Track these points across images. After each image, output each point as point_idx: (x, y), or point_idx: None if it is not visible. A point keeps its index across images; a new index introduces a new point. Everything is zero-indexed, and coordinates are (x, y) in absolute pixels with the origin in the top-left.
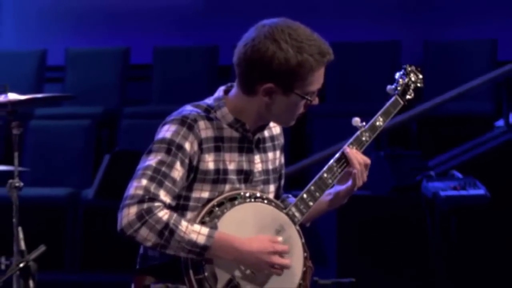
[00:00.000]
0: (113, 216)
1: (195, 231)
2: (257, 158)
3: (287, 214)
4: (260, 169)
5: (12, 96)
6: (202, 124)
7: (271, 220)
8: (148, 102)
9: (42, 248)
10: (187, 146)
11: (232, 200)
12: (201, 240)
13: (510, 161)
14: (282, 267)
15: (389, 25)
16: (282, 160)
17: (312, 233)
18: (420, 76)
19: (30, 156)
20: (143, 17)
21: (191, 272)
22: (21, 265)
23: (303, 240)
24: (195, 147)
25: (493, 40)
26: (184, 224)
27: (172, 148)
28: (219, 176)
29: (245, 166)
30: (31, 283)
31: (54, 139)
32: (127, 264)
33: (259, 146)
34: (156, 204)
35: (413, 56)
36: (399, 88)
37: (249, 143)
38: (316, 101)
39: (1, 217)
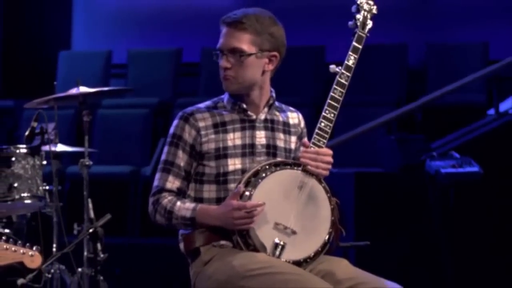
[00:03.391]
0: None
1: (184, 208)
2: (261, 133)
3: (303, 170)
4: (263, 142)
5: (83, 89)
6: (199, 115)
7: (291, 181)
8: (196, 95)
9: (108, 217)
10: (185, 135)
11: (256, 175)
12: (188, 214)
13: (500, 143)
14: (246, 221)
15: (397, 30)
16: (298, 145)
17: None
18: (372, 3)
19: (98, 139)
20: (193, 23)
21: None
22: (91, 230)
23: (324, 183)
24: (193, 135)
25: (485, 43)
26: (178, 205)
27: (174, 140)
28: (219, 153)
29: (247, 140)
30: (98, 245)
31: (118, 125)
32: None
33: (267, 125)
34: (163, 194)
35: (417, 56)
36: (358, 23)
37: (250, 121)
38: (221, 62)
39: (74, 190)
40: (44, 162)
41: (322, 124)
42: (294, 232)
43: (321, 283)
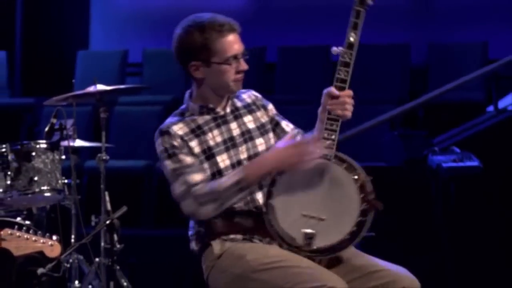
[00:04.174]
0: None
1: (227, 178)
2: (233, 125)
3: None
4: (239, 132)
5: (100, 87)
6: (175, 127)
7: (310, 170)
8: None
9: (123, 209)
10: (175, 143)
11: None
12: (235, 177)
13: (498, 139)
14: (310, 156)
15: (400, 30)
16: (271, 113)
17: None
18: None
19: (114, 135)
20: None
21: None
22: (107, 222)
23: (345, 165)
24: (180, 142)
25: (484, 43)
26: (218, 181)
27: (168, 152)
28: (207, 154)
29: (225, 135)
30: (115, 236)
31: (133, 121)
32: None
33: (235, 114)
34: (193, 188)
35: (419, 56)
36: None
37: (222, 117)
38: (243, 65)
39: (92, 184)
40: (63, 157)
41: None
42: (321, 219)
43: (333, 277)
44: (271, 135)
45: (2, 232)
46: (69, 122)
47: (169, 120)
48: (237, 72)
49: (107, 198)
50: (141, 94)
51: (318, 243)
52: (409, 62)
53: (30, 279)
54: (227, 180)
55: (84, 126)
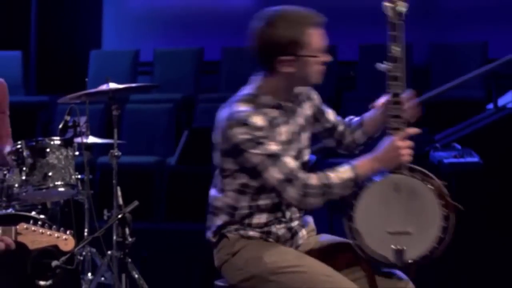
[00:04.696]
0: (190, 177)
1: (340, 173)
2: (297, 119)
3: (390, 172)
4: (299, 125)
5: (112, 85)
6: (255, 117)
7: (384, 189)
8: (216, 91)
9: (135, 203)
10: (259, 132)
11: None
12: (349, 174)
13: (498, 135)
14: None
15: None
16: (316, 102)
17: None
18: None
19: (126, 132)
20: (214, 24)
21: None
22: (119, 216)
23: (418, 175)
24: (264, 132)
25: (484, 43)
26: (330, 175)
27: (254, 141)
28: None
29: (291, 129)
30: (126, 230)
31: (144, 118)
32: (201, 215)
33: (296, 108)
34: (301, 176)
35: (421, 55)
36: (390, 14)
37: (288, 111)
38: (328, 57)
39: (104, 179)
40: (77, 153)
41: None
42: (407, 233)
43: (350, 285)
44: (311, 127)
45: (18, 227)
46: (82, 119)
47: (243, 109)
48: (322, 64)
49: (119, 193)
50: (152, 92)
51: (409, 256)
52: (412, 61)
53: (44, 271)
54: (342, 174)
55: (97, 123)
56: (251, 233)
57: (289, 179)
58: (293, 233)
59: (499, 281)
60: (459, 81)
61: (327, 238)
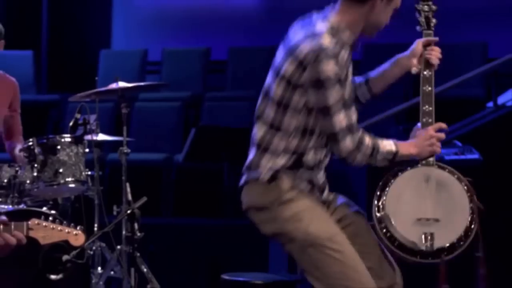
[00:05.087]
0: (197, 174)
1: (387, 144)
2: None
3: (422, 164)
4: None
5: (122, 84)
6: (342, 54)
7: (415, 178)
8: (223, 89)
9: (143, 199)
10: (343, 72)
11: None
12: (393, 148)
13: (498, 133)
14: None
15: (404, 31)
16: None
17: (346, 182)
18: (430, 3)
19: (135, 129)
20: (221, 24)
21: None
22: (128, 211)
23: (448, 168)
24: (345, 73)
25: (484, 43)
26: (379, 142)
27: (338, 78)
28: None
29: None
30: (135, 225)
31: (153, 116)
32: (208, 211)
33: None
34: (359, 134)
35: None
36: (422, 24)
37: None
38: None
39: (113, 175)
40: (87, 150)
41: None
42: (437, 220)
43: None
44: None
45: (30, 222)
46: (92, 117)
47: (331, 44)
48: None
49: (128, 189)
50: (160, 91)
51: (438, 244)
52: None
53: (55, 265)
54: (388, 145)
55: (107, 121)
56: (303, 185)
57: (351, 129)
58: (324, 186)
59: (500, 275)
60: (460, 80)
61: (344, 202)
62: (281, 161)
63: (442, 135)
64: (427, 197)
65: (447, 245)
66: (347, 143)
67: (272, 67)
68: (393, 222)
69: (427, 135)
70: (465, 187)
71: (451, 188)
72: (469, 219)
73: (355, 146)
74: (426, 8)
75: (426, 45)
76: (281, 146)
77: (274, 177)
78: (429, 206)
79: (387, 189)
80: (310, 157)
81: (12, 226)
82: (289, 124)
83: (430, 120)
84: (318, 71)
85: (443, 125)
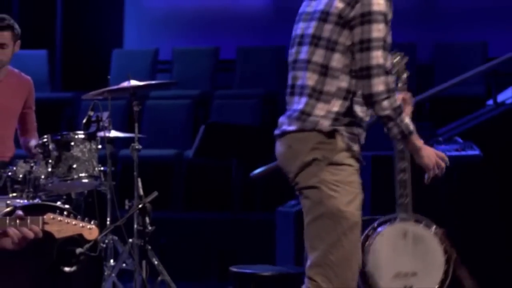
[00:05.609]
0: (206, 169)
1: (408, 120)
2: None
3: (399, 221)
4: None
5: (134, 82)
6: None
7: (393, 235)
8: (232, 87)
9: (155, 194)
10: (391, 15)
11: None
12: (411, 127)
13: (497, 130)
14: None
15: (407, 31)
16: None
17: None
18: (404, 58)
19: (146, 126)
20: (229, 25)
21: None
22: (140, 206)
23: (423, 222)
24: (390, 17)
25: (484, 42)
26: (403, 114)
27: (386, 19)
28: None
29: None
30: (147, 219)
31: (163, 114)
32: (217, 205)
33: None
34: (393, 83)
35: (425, 54)
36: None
37: None
38: None
39: (125, 171)
40: (99, 146)
41: None
42: (414, 274)
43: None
44: None
45: (45, 217)
46: (105, 115)
47: None
48: None
49: (140, 184)
50: (170, 89)
51: None
52: (416, 60)
53: (69, 258)
54: (408, 121)
55: (119, 118)
56: (356, 147)
57: (386, 71)
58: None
59: (500, 270)
60: (460, 78)
61: None
62: (335, 107)
63: (443, 164)
64: (405, 252)
65: None
66: (380, 81)
67: (305, 17)
68: (375, 278)
69: (441, 154)
70: (440, 240)
71: (427, 241)
72: (444, 269)
73: (387, 88)
74: (398, 58)
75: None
76: (333, 89)
77: (332, 131)
78: (407, 261)
79: (367, 245)
80: (359, 109)
81: (28, 221)
82: (338, 65)
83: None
84: (370, 3)
85: (446, 159)
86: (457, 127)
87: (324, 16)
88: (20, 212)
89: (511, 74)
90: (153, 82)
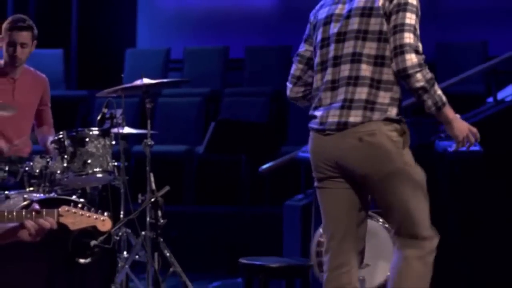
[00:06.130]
0: (217, 165)
1: (439, 90)
2: None
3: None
4: None
5: (146, 80)
6: None
7: None
8: (241, 85)
9: (166, 188)
10: (419, 9)
11: None
12: (444, 98)
13: (497, 126)
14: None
15: None
16: None
17: None
18: None
19: (159, 123)
20: (238, 25)
21: None
22: (152, 200)
23: (375, 217)
24: (419, 13)
25: (484, 42)
26: (436, 84)
27: (418, 12)
28: None
29: None
30: (159, 212)
31: (175, 111)
32: (226, 199)
33: None
34: (424, 58)
35: (427, 53)
36: None
37: None
38: None
39: (138, 166)
40: (113, 142)
41: None
42: (367, 265)
43: None
44: None
45: (60, 209)
46: (119, 112)
47: None
48: None
49: (152, 178)
50: (182, 87)
51: (368, 285)
52: None
53: (84, 250)
54: (441, 92)
55: (132, 115)
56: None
57: (418, 50)
58: None
59: (500, 260)
60: (461, 76)
61: None
62: (397, 94)
63: (473, 140)
64: None
65: (376, 286)
66: (413, 56)
67: (337, 18)
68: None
69: (474, 130)
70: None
71: (379, 235)
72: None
73: (419, 63)
74: None
75: None
76: (391, 78)
77: (399, 120)
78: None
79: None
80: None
81: (44, 213)
82: (390, 55)
83: None
84: None
85: (477, 135)
86: None
87: (367, 12)
88: (36, 206)
89: (511, 72)
90: (165, 80)
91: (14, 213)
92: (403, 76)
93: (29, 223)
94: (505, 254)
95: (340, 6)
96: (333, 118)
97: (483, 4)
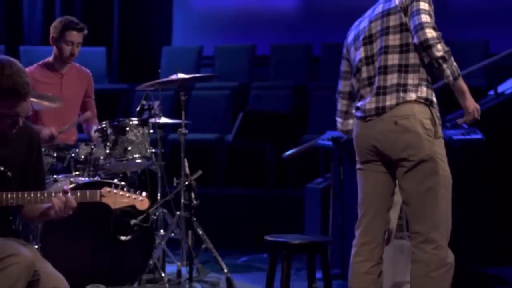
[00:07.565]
0: (244, 151)
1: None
2: None
3: None
4: None
5: (181, 75)
6: None
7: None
8: (267, 80)
9: (199, 172)
10: (432, 6)
11: None
12: (459, 71)
13: (498, 117)
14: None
15: None
16: None
17: None
18: None
19: (192, 113)
20: (264, 25)
21: None
22: (186, 183)
23: None
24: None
25: (486, 40)
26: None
27: (431, 4)
28: None
29: None
30: (192, 194)
31: (207, 102)
32: (253, 182)
33: None
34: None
35: None
36: None
37: None
38: None
39: (174, 152)
40: (151, 131)
41: None
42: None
43: None
44: None
45: (102, 190)
46: (156, 103)
47: None
48: None
49: (186, 164)
50: (213, 81)
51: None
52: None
53: (125, 228)
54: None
55: (168, 106)
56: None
57: (435, 28)
58: None
59: (500, 245)
60: (465, 71)
61: None
62: (424, 74)
63: (477, 114)
64: (402, 263)
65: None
66: (432, 30)
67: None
68: None
69: (478, 106)
70: None
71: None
72: None
73: (438, 36)
74: None
75: None
76: (417, 61)
77: (430, 102)
78: (404, 271)
79: None
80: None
81: (88, 193)
82: (411, 41)
83: None
84: None
85: (479, 111)
86: (462, 114)
87: (386, 12)
88: (65, 188)
89: (510, 68)
90: (197, 75)
91: (46, 194)
92: (425, 47)
93: (55, 200)
94: (507, 240)
95: (363, 23)
96: (370, 105)
97: (485, 6)
